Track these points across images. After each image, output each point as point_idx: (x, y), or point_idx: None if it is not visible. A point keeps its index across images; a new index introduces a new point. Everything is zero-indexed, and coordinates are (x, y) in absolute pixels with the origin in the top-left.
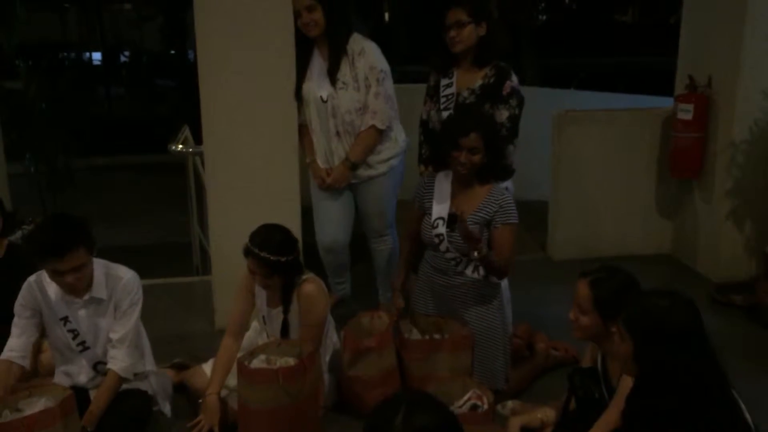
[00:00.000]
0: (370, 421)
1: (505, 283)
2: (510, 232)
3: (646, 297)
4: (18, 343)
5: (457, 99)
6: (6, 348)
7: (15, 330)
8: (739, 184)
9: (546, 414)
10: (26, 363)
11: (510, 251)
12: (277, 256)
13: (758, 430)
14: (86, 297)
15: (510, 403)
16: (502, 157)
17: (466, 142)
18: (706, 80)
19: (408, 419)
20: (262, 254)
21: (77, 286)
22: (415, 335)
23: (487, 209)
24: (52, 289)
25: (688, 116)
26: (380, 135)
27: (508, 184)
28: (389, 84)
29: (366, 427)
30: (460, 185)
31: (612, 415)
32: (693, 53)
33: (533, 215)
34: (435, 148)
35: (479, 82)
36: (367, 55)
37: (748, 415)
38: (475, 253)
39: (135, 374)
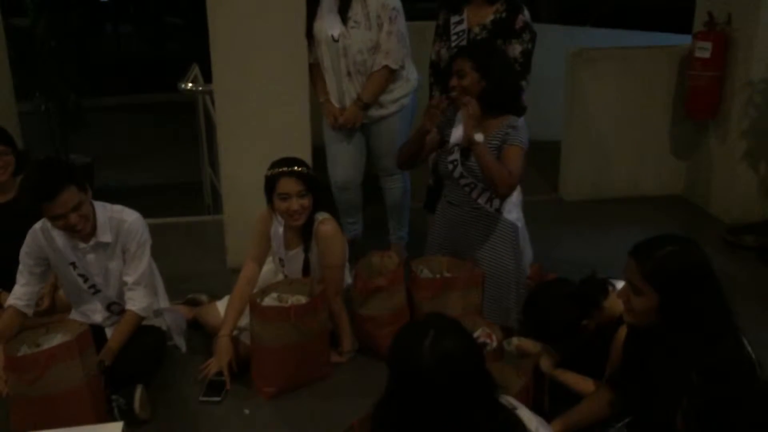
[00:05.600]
0: (398, 343)
1: (522, 224)
2: (516, 151)
3: (654, 248)
4: (23, 291)
5: (469, 35)
6: (11, 295)
7: (20, 278)
8: (755, 125)
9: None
10: (30, 311)
11: (514, 166)
12: (309, 169)
13: (762, 367)
14: (92, 242)
15: (515, 340)
16: (504, 84)
17: (454, 66)
18: (725, 17)
19: (436, 342)
20: (296, 168)
21: (82, 226)
22: (426, 274)
23: (498, 136)
24: (59, 236)
25: (706, 54)
26: (392, 74)
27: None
28: (402, 22)
29: (393, 349)
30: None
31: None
32: None
33: (545, 155)
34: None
35: (491, 17)
36: None
37: (752, 351)
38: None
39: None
